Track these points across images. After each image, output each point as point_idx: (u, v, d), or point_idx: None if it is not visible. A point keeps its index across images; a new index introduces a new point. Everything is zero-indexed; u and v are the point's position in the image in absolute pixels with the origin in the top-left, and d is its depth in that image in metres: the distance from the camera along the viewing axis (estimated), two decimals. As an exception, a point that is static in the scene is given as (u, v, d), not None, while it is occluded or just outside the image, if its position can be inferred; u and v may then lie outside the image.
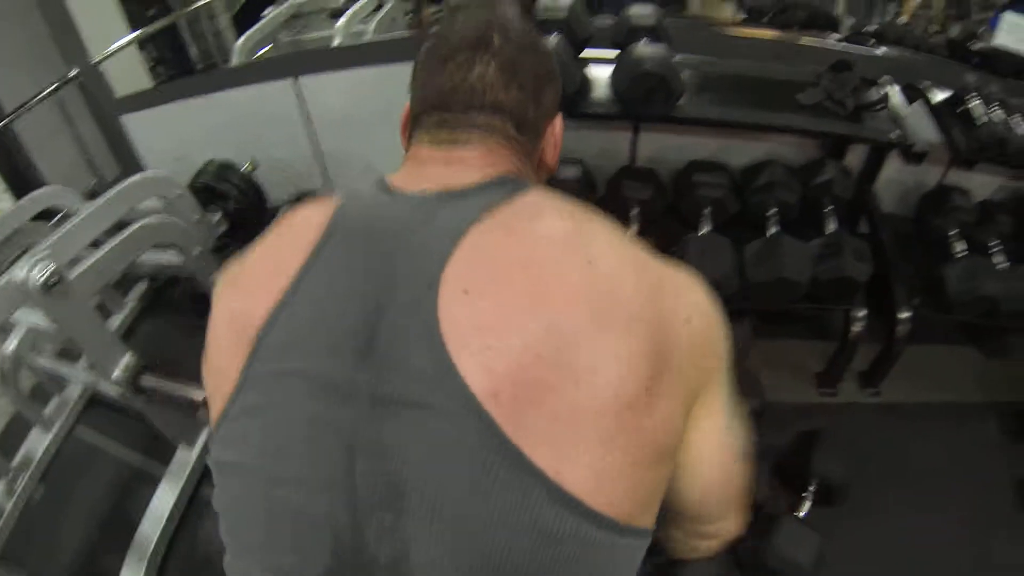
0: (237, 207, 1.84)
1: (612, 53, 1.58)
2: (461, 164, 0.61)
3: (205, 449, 1.65)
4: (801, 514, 1.38)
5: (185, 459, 1.63)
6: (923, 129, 1.61)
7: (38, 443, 1.48)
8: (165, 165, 2.09)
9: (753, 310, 1.66)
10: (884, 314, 1.60)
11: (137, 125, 2.11)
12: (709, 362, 0.56)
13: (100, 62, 2.12)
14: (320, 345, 0.51)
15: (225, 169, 1.89)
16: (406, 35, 2.43)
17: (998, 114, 1.60)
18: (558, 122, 0.69)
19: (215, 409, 0.56)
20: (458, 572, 0.46)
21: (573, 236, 0.53)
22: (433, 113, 0.63)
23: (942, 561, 1.49)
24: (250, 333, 0.53)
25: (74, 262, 1.27)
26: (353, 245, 0.54)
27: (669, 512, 0.60)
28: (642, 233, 1.63)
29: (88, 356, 1.40)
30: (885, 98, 1.57)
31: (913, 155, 1.57)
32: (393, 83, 1.92)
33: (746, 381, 1.52)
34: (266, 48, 2.51)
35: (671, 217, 1.73)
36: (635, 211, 1.65)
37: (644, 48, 1.47)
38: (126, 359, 1.38)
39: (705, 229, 1.61)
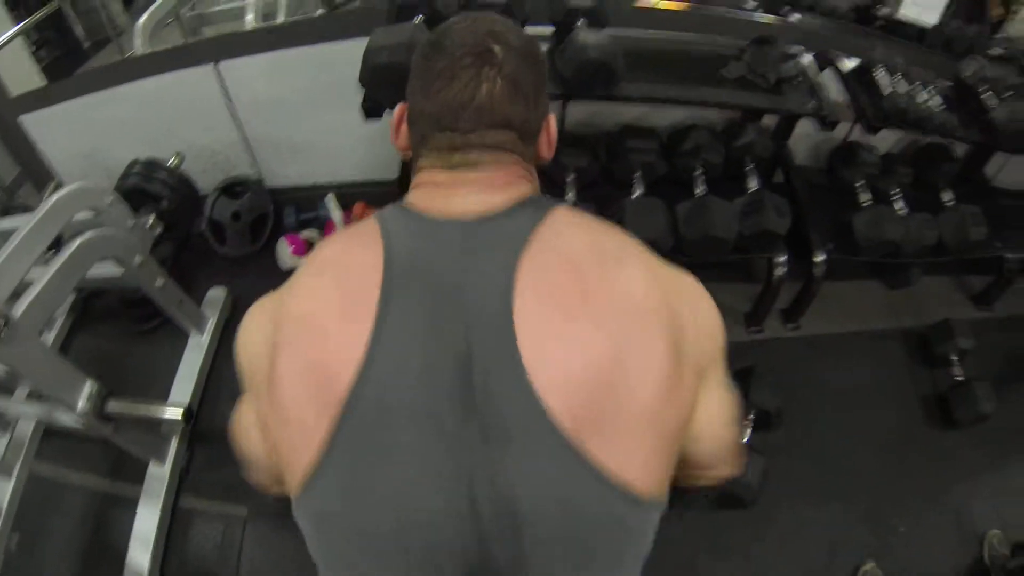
0: (170, 207, 1.71)
1: (548, 30, 1.61)
2: (481, 186, 0.62)
3: (178, 461, 1.59)
4: (744, 440, 1.60)
5: (160, 474, 1.56)
6: (834, 94, 1.75)
7: (2, 491, 1.38)
8: (74, 164, 2.00)
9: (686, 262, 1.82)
10: (802, 257, 1.77)
11: (38, 125, 1.94)
12: (710, 349, 0.63)
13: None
14: (422, 396, 0.53)
15: (152, 168, 1.73)
16: (326, 14, 2.32)
17: (901, 84, 1.76)
18: (551, 120, 0.71)
19: (298, 460, 0.56)
20: (562, 562, 0.55)
21: (608, 254, 0.58)
22: (443, 134, 0.63)
23: (863, 468, 1.72)
24: (339, 388, 0.53)
25: (14, 296, 1.15)
26: (419, 290, 0.56)
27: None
28: (579, 197, 1.72)
29: (46, 391, 1.27)
30: (803, 71, 1.67)
31: (827, 123, 1.70)
32: (317, 64, 1.89)
33: None
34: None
35: (605, 180, 1.83)
36: (571, 177, 1.73)
37: (588, 35, 1.49)
38: (87, 388, 1.29)
39: (638, 191, 1.71)
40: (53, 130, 1.95)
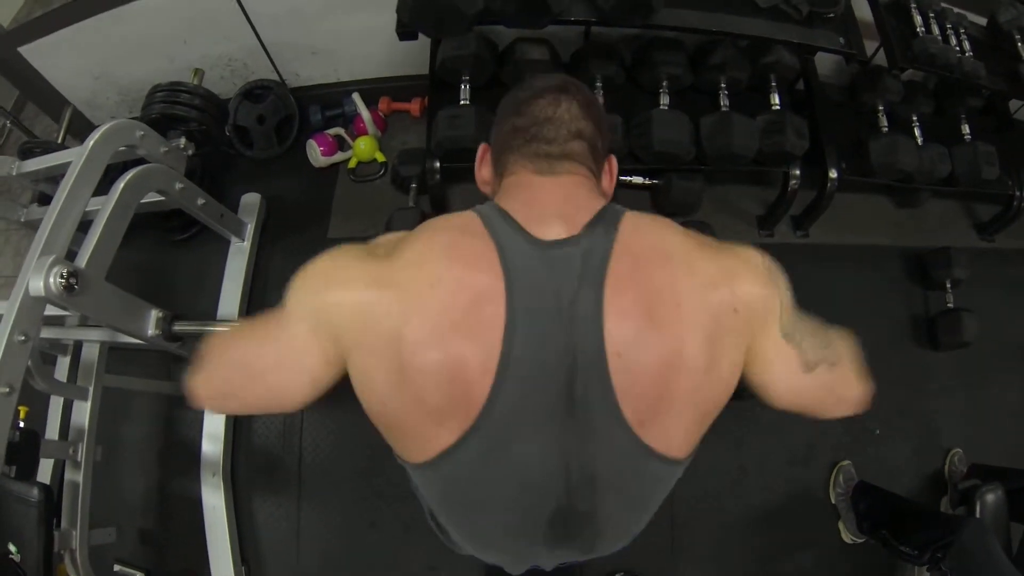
0: (199, 126, 1.74)
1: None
2: (566, 192, 0.75)
3: None
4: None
5: None
6: (864, 26, 1.70)
7: (81, 412, 1.45)
8: (84, 87, 1.97)
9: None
10: (815, 168, 1.81)
11: (40, 54, 1.87)
12: (760, 320, 0.72)
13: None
14: (541, 405, 0.68)
15: (175, 91, 1.75)
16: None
17: (934, 26, 1.74)
18: (613, 160, 0.87)
19: (432, 436, 0.69)
20: (621, 506, 0.78)
21: (676, 256, 0.69)
22: (530, 143, 0.78)
23: None
24: (479, 392, 0.65)
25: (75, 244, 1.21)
26: (535, 314, 0.66)
27: None
28: (606, 105, 1.72)
29: (116, 327, 1.33)
30: (837, 3, 1.61)
31: (855, 60, 1.70)
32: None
33: (700, 230, 1.76)
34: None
35: (631, 86, 1.85)
36: (599, 85, 1.75)
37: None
38: (154, 316, 1.37)
39: (664, 102, 1.74)
40: (58, 58, 1.89)
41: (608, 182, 0.86)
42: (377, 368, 0.67)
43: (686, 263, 0.69)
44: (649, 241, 0.71)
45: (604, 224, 0.70)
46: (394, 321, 0.65)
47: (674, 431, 0.71)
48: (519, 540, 0.82)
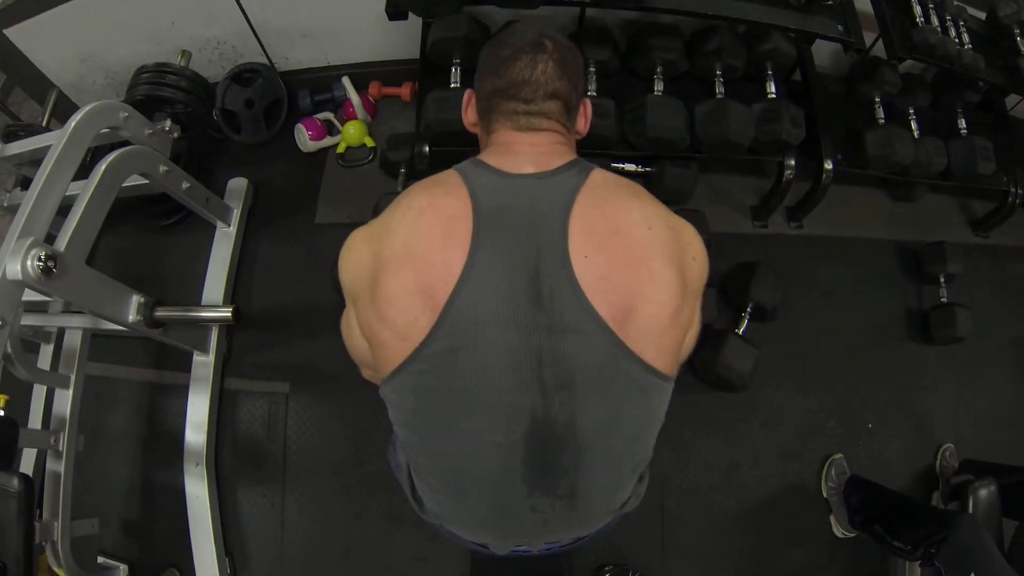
0: (185, 108, 1.69)
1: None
2: (541, 149, 0.85)
3: (220, 349, 1.67)
4: (740, 331, 1.70)
5: (205, 362, 1.65)
6: (863, 21, 1.68)
7: (63, 400, 1.43)
8: (71, 70, 1.93)
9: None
10: (811, 159, 1.79)
11: (26, 36, 1.82)
12: (701, 283, 0.85)
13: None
14: (504, 301, 0.73)
15: (161, 73, 1.70)
16: None
17: (933, 16, 1.72)
18: (587, 103, 0.95)
19: (396, 351, 0.76)
20: (602, 418, 0.78)
21: (635, 207, 0.79)
22: (508, 102, 0.86)
23: (843, 367, 1.86)
24: (440, 298, 0.73)
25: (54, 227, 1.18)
26: (500, 227, 0.75)
27: None
28: (599, 90, 1.72)
29: (97, 312, 1.30)
30: None
31: (853, 49, 1.67)
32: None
33: (694, 218, 1.74)
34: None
35: (625, 71, 1.82)
36: (592, 70, 1.72)
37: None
38: (135, 301, 1.34)
39: (658, 88, 1.71)
40: (43, 40, 1.84)
41: (583, 123, 0.95)
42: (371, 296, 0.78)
43: (653, 201, 0.82)
44: (617, 183, 0.82)
45: (577, 169, 0.81)
46: (375, 255, 0.78)
47: (648, 337, 0.75)
48: (498, 483, 0.82)
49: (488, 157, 0.85)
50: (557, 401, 0.76)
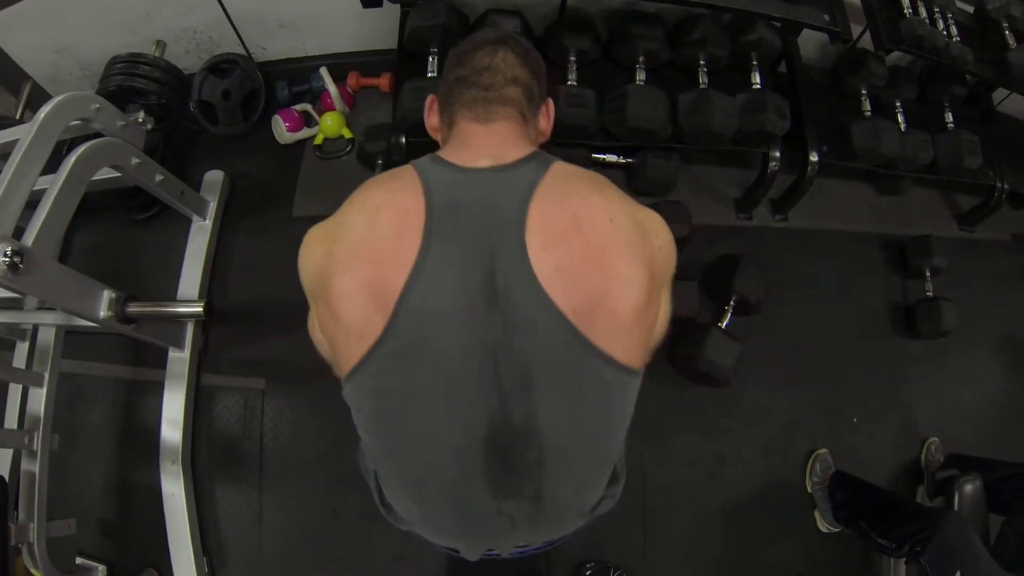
0: (159, 100, 1.65)
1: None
2: (498, 139, 0.83)
3: (195, 345, 1.64)
4: (723, 325, 1.68)
5: (180, 358, 1.62)
6: (851, 14, 1.67)
7: (36, 399, 1.40)
8: (45, 61, 1.88)
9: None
10: (796, 151, 1.77)
11: None
12: (669, 272, 0.83)
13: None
14: (458, 296, 0.70)
15: (135, 63, 1.65)
16: None
17: (921, 8, 1.71)
18: (550, 103, 0.94)
19: (353, 351, 0.73)
20: (564, 416, 0.75)
21: (597, 201, 0.76)
22: (469, 89, 0.85)
23: (828, 361, 1.84)
24: (391, 294, 0.70)
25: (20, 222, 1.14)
26: (453, 221, 0.72)
27: None
28: (580, 79, 1.69)
29: (67, 308, 1.27)
30: None
31: (840, 39, 1.65)
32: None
33: (676, 210, 1.71)
34: None
35: (606, 61, 1.79)
36: (572, 59, 1.69)
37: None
38: (106, 296, 1.31)
39: (640, 77, 1.69)
40: (18, 30, 1.80)
41: (545, 123, 0.94)
42: (323, 292, 0.76)
43: (617, 194, 0.78)
44: (579, 175, 0.79)
45: (536, 162, 0.79)
46: (328, 253, 0.75)
47: (613, 333, 0.72)
48: (461, 487, 0.80)
49: (446, 152, 0.83)
50: (515, 399, 0.73)
